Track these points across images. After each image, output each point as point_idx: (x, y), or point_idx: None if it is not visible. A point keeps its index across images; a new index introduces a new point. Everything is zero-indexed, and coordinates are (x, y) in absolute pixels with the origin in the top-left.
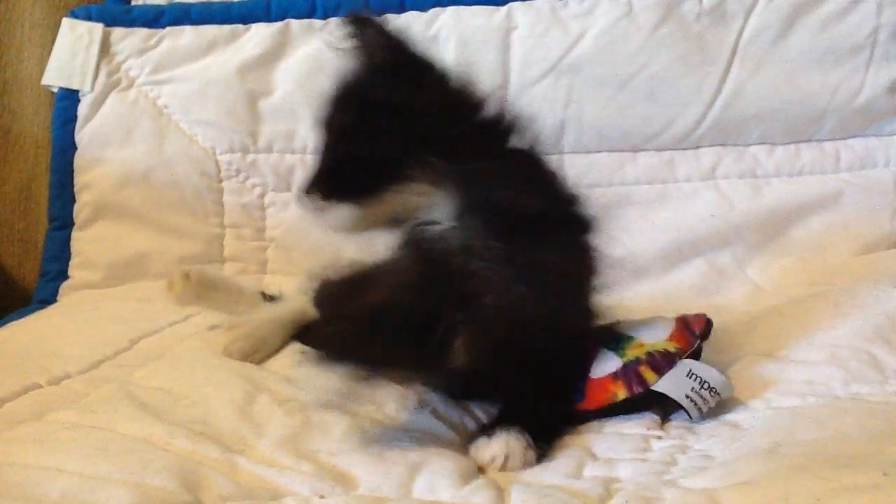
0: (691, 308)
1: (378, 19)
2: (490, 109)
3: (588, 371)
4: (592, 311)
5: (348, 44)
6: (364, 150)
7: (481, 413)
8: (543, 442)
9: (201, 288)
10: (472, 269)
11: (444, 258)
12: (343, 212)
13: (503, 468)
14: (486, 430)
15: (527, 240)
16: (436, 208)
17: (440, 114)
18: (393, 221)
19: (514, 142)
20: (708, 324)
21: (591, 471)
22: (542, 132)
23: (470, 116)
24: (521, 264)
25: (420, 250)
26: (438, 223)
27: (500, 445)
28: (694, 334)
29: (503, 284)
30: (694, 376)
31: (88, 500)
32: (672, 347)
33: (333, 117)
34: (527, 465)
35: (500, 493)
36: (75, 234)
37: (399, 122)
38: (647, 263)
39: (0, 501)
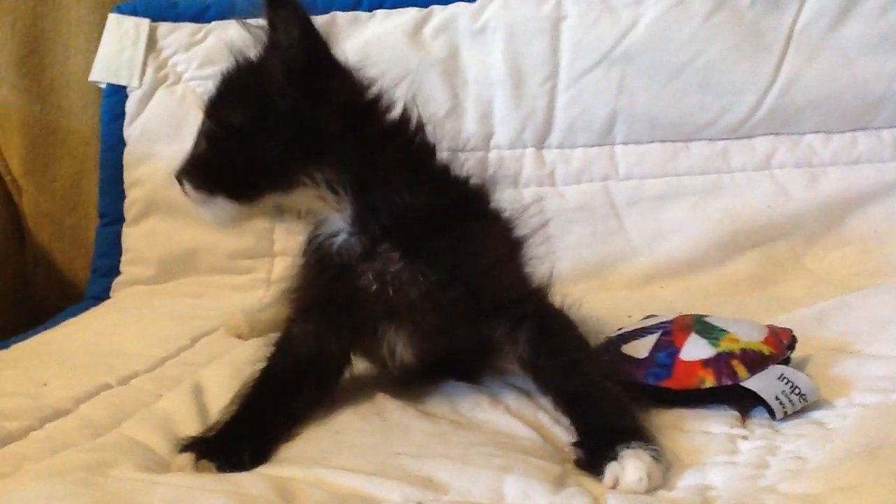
0: (750, 301)
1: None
2: (395, 112)
3: (678, 351)
4: (525, 279)
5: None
6: (251, 151)
7: (549, 405)
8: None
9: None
10: (378, 274)
11: (349, 269)
12: (219, 205)
13: (648, 490)
14: (595, 448)
15: (429, 231)
16: (332, 218)
17: (341, 120)
18: (277, 213)
19: (420, 143)
20: (794, 338)
21: (683, 479)
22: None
23: (373, 121)
24: (425, 256)
25: (326, 265)
26: (338, 234)
27: (638, 466)
28: (783, 344)
29: (413, 280)
30: (785, 380)
31: None
32: (766, 350)
33: (223, 108)
34: (664, 479)
35: (596, 500)
36: (126, 230)
37: (295, 126)
38: (701, 255)
39: None
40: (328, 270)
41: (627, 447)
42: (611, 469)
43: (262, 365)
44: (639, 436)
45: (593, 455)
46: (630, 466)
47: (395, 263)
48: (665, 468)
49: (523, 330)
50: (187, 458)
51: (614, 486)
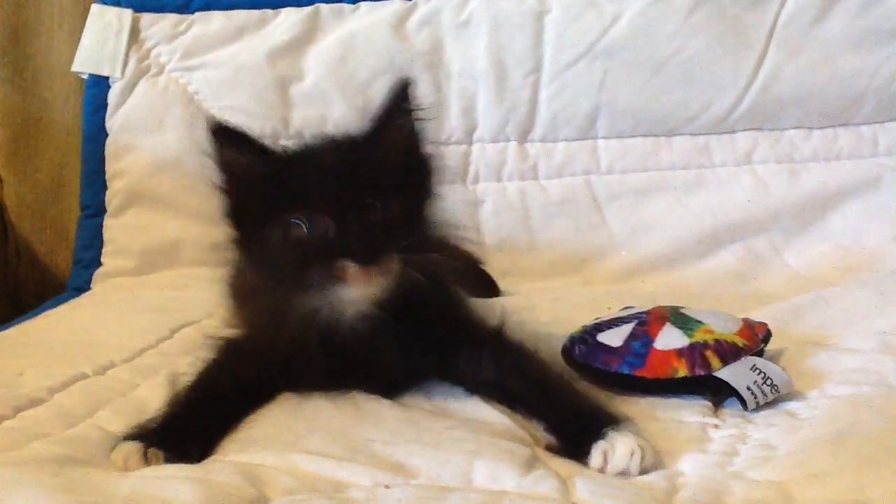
0: (729, 295)
1: None
2: None
3: (653, 341)
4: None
5: None
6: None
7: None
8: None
9: None
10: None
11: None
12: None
13: (643, 465)
14: (578, 432)
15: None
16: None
17: None
18: None
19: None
20: (768, 331)
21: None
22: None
23: None
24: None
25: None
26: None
27: (628, 443)
28: (757, 336)
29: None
30: (758, 371)
31: (158, 495)
32: (740, 342)
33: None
34: (657, 460)
35: (564, 483)
36: (108, 222)
37: None
38: (682, 249)
39: (71, 496)
40: (310, 335)
41: (614, 429)
42: (599, 447)
43: (222, 357)
44: (624, 420)
45: (575, 439)
46: (620, 444)
47: (382, 331)
48: (655, 450)
49: (484, 357)
50: (134, 447)
51: (603, 468)
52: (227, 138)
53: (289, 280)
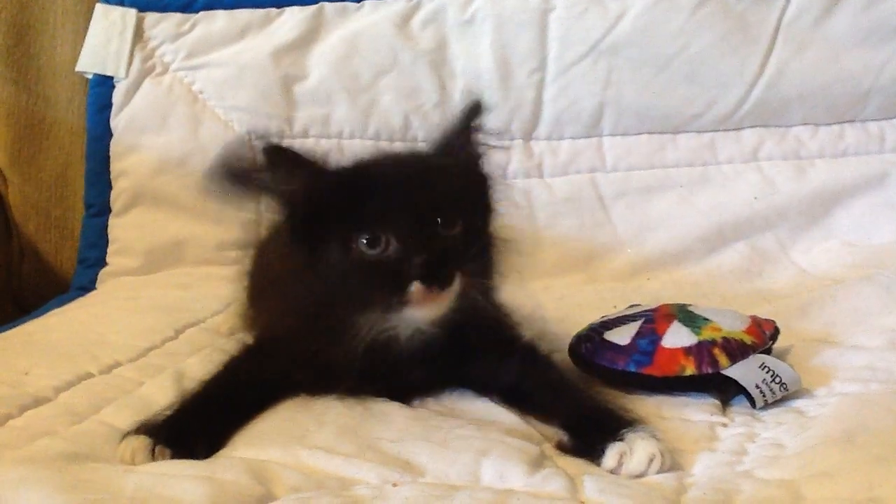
0: (735, 292)
1: None
2: None
3: (660, 339)
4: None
5: None
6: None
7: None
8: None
9: None
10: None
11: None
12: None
13: (661, 470)
14: (594, 431)
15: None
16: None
17: None
18: None
19: None
20: (776, 329)
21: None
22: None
23: None
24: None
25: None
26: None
27: (647, 446)
28: (765, 334)
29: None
30: (766, 369)
31: (163, 493)
32: (748, 340)
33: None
34: (673, 464)
35: (572, 481)
36: (113, 221)
37: None
38: (688, 247)
39: (76, 494)
40: (359, 349)
41: (631, 431)
42: (615, 448)
43: (237, 357)
44: (640, 422)
45: (588, 437)
46: (640, 448)
47: (433, 346)
48: (672, 454)
49: (503, 365)
50: (142, 442)
51: (616, 469)
52: (281, 159)
53: (350, 299)
